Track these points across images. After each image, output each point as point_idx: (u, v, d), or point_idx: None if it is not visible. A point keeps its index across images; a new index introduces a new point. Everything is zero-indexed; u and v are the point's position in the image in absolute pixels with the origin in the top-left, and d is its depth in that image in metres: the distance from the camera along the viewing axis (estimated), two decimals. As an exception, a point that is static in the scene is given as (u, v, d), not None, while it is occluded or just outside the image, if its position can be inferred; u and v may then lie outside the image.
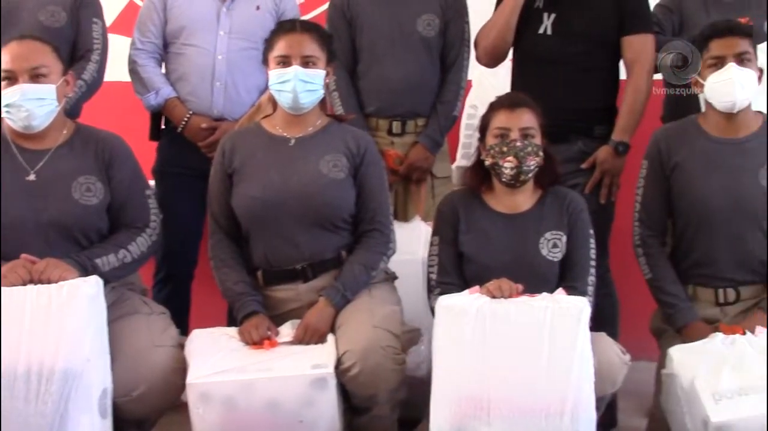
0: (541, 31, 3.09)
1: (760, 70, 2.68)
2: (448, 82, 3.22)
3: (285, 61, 2.59)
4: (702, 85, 2.67)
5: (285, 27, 2.66)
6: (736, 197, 2.63)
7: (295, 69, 2.56)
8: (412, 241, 3.06)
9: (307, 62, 2.59)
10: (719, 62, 2.62)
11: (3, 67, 2.48)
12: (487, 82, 3.61)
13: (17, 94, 2.46)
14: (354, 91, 3.21)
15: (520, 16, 3.11)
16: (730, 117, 2.66)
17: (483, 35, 3.17)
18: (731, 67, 2.59)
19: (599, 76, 3.11)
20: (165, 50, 3.26)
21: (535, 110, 2.61)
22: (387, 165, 3.14)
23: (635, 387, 2.97)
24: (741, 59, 2.61)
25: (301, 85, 2.57)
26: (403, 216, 3.23)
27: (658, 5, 3.29)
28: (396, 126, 3.20)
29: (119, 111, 3.58)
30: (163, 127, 3.30)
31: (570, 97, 3.03)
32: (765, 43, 3.02)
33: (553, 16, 3.08)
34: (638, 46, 3.06)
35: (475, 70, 3.48)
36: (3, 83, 2.48)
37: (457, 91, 3.23)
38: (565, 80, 3.06)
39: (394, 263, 2.83)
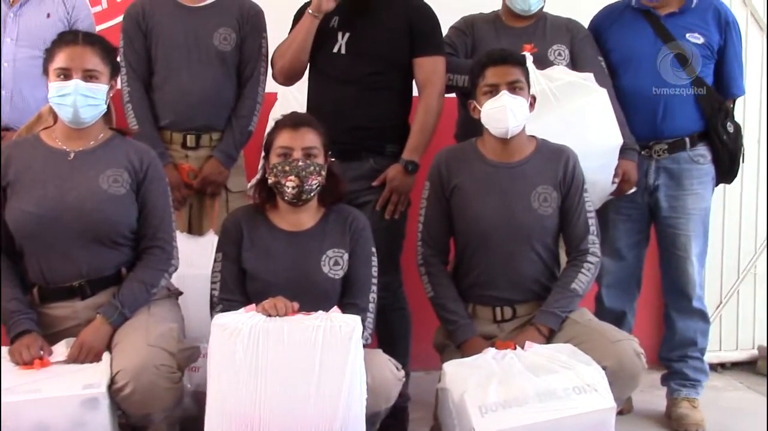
0: (335, 50, 3.16)
1: (533, 97, 2.85)
2: (244, 96, 3.25)
3: (66, 74, 2.54)
4: (479, 111, 2.81)
5: (66, 38, 2.61)
6: (509, 219, 2.79)
7: (76, 83, 2.53)
8: (206, 255, 3.05)
9: (89, 76, 2.55)
10: (494, 90, 2.77)
11: None
12: (291, 96, 3.63)
13: None
14: (148, 103, 3.19)
15: (315, 35, 3.18)
16: (505, 142, 2.82)
17: (279, 55, 3.21)
18: (504, 95, 2.74)
19: (391, 95, 3.20)
20: (-56, 55, 3.14)
21: (318, 129, 2.68)
22: (181, 179, 3.16)
23: (428, 397, 3.08)
24: (513, 87, 2.76)
25: (82, 99, 2.54)
26: (197, 230, 3.24)
27: (452, 28, 3.43)
28: (190, 140, 3.20)
29: None
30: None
31: (362, 115, 3.12)
32: (554, 67, 3.22)
33: (347, 35, 3.16)
34: (429, 67, 3.17)
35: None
36: None
37: (253, 106, 3.26)
38: (358, 99, 3.14)
39: (187, 277, 2.84)
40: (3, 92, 3.10)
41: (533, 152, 2.86)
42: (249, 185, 3.36)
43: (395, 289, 3.23)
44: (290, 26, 3.28)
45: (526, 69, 2.86)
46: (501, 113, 2.75)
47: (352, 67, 3.12)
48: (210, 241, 3.14)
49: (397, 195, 3.12)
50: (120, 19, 3.80)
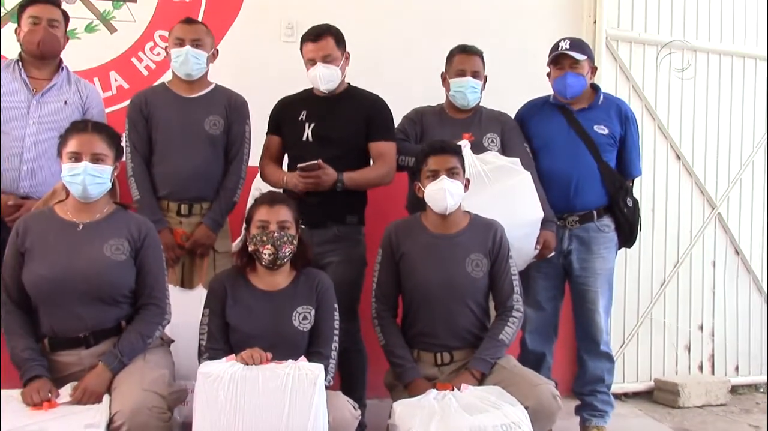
0: (303, 138, 3.18)
1: (467, 180, 2.86)
2: (230, 173, 3.21)
3: (76, 157, 2.51)
4: (423, 192, 2.81)
5: (78, 127, 2.58)
6: (448, 281, 2.78)
7: (85, 165, 2.49)
8: (195, 306, 2.99)
9: (96, 159, 2.52)
10: (434, 175, 2.78)
11: None
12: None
13: None
14: (148, 177, 3.14)
15: (287, 127, 3.22)
16: (444, 217, 2.82)
17: (262, 172, 3.30)
18: (443, 179, 2.76)
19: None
20: (-23, 135, 3.07)
21: (290, 206, 2.67)
22: (175, 241, 3.12)
23: (382, 422, 2.99)
24: (451, 173, 2.77)
25: (90, 179, 2.50)
26: (189, 284, 3.17)
27: (404, 117, 3.44)
28: (184, 208, 3.15)
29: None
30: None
31: (327, 192, 3.10)
32: (488, 153, 3.23)
33: (313, 125, 3.18)
34: (383, 148, 3.20)
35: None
36: None
37: (237, 181, 3.22)
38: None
39: (180, 325, 2.78)
40: (24, 167, 3.02)
41: (467, 225, 2.86)
42: (234, 244, 3.33)
43: (354, 333, 3.20)
44: (267, 123, 3.32)
45: (462, 157, 2.87)
46: (440, 194, 2.76)
47: (318, 152, 3.11)
48: (199, 294, 3.07)
49: (317, 183, 3.05)
50: (126, 102, 3.82)
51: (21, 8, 3.13)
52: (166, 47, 3.27)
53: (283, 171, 3.18)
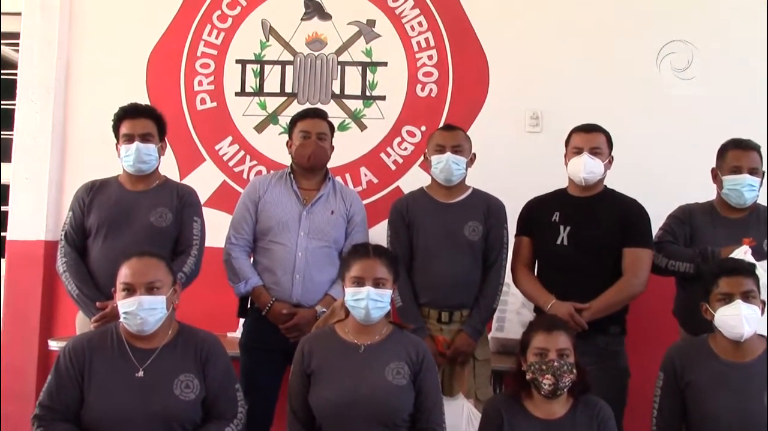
0: (558, 241, 3.09)
1: (763, 303, 2.61)
2: (489, 279, 3.17)
3: (359, 282, 2.58)
4: (712, 315, 2.60)
5: (360, 252, 2.65)
6: (744, 417, 2.52)
7: (368, 290, 2.55)
8: (456, 416, 2.99)
9: (378, 283, 2.57)
10: (727, 298, 2.55)
11: (123, 280, 2.52)
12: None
13: (134, 305, 2.47)
14: (410, 284, 3.16)
15: (540, 230, 3.15)
16: (737, 343, 2.58)
17: (519, 285, 3.25)
18: (739, 304, 2.53)
19: (609, 280, 3.05)
20: (254, 244, 3.26)
21: (568, 331, 2.57)
22: (436, 349, 3.10)
23: None
24: (747, 296, 2.54)
25: (373, 303, 2.56)
26: (449, 392, 3.12)
27: (671, 216, 3.24)
28: (444, 316, 3.13)
29: (216, 268, 3.32)
30: (248, 306, 3.27)
31: (587, 300, 3.00)
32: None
33: (568, 228, 3.09)
34: (635, 256, 3.05)
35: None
36: (122, 293, 2.50)
37: (497, 287, 3.17)
38: (582, 285, 3.03)
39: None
40: (297, 276, 3.16)
41: (764, 353, 2.60)
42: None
43: (620, 448, 3.02)
44: (516, 224, 3.27)
45: (757, 278, 2.62)
46: (736, 321, 2.53)
47: (574, 255, 3.04)
48: (460, 404, 3.07)
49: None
50: (376, 197, 3.95)
51: (292, 122, 3.32)
52: (425, 153, 3.32)
53: (550, 295, 3.06)
